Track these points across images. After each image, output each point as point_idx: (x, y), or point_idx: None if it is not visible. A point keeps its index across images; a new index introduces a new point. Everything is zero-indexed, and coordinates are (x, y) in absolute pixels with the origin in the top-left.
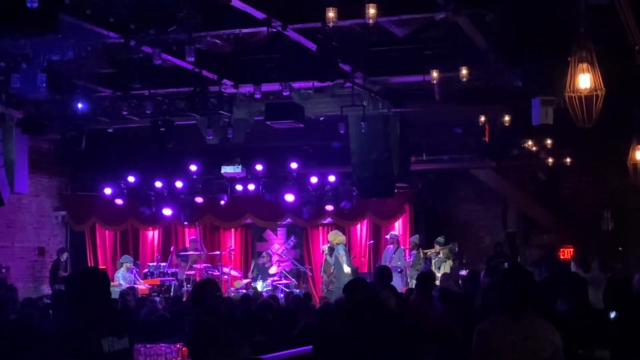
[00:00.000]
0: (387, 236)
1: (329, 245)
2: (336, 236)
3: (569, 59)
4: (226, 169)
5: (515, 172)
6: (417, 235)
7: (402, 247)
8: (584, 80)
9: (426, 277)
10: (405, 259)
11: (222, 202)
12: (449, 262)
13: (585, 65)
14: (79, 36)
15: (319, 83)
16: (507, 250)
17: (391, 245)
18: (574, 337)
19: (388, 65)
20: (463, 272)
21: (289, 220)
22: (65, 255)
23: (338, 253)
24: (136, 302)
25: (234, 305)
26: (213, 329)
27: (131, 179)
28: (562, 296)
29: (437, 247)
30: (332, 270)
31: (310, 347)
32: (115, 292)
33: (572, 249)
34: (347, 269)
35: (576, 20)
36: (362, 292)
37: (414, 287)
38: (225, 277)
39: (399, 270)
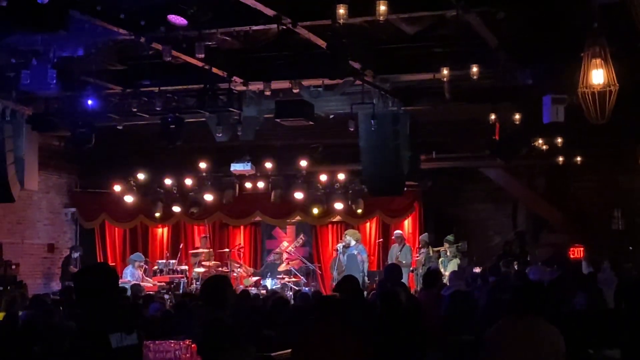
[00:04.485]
0: (393, 236)
1: (344, 243)
2: (355, 232)
3: (582, 54)
4: (235, 167)
5: (526, 171)
6: (426, 233)
7: (408, 245)
8: (597, 75)
9: (433, 274)
10: (414, 257)
11: (232, 200)
12: (456, 261)
13: (598, 61)
14: (89, 33)
15: (329, 81)
16: (516, 249)
17: (396, 244)
18: (584, 336)
19: (398, 63)
20: (477, 270)
21: (298, 218)
22: (77, 253)
23: (361, 255)
24: (142, 299)
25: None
26: (227, 326)
27: (141, 176)
28: (581, 294)
29: (446, 246)
30: (343, 269)
31: None
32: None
33: (582, 249)
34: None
35: (587, 17)
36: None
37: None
38: (235, 274)
39: (410, 268)
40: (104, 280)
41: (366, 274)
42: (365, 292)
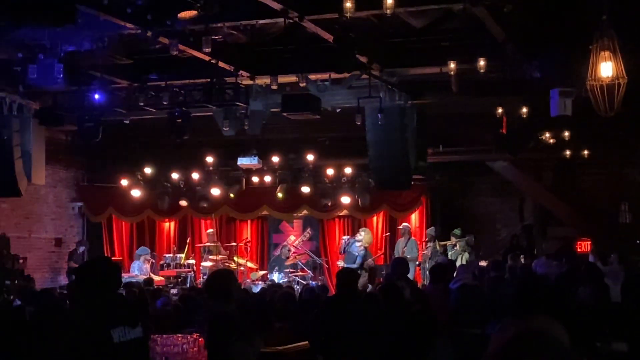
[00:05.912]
0: (400, 227)
1: (350, 236)
2: (370, 237)
3: (591, 47)
4: (242, 161)
5: (533, 165)
6: (433, 227)
7: (413, 238)
8: (606, 68)
9: (441, 268)
10: (419, 251)
11: (238, 194)
12: (466, 255)
13: (607, 53)
14: (96, 27)
15: (336, 74)
16: (523, 243)
17: (402, 238)
18: (592, 329)
19: (405, 56)
20: (483, 263)
21: (305, 212)
22: (82, 248)
23: (360, 253)
24: (151, 293)
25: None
26: (234, 320)
27: (148, 170)
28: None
29: (453, 240)
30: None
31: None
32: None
33: (589, 242)
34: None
35: (595, 10)
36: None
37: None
38: (242, 268)
39: (416, 262)
40: (104, 275)
41: (365, 268)
42: (370, 286)
